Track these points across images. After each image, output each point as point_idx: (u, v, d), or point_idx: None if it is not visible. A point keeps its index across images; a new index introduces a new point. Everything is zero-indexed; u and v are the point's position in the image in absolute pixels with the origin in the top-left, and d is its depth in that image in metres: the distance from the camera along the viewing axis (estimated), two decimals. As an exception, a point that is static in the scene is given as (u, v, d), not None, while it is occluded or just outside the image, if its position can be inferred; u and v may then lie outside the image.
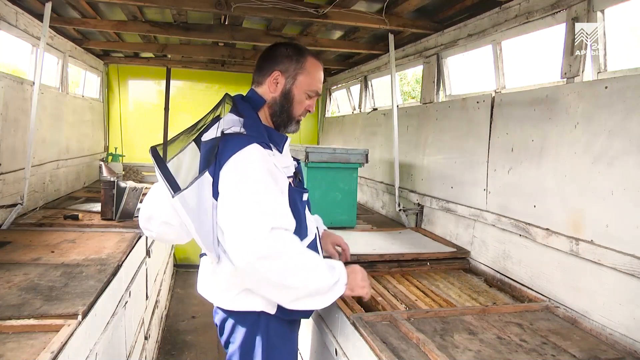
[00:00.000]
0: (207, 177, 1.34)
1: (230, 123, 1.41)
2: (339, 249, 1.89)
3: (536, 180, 1.99)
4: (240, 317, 1.48)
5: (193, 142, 1.43)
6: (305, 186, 1.74)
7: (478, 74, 3.00)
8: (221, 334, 1.56)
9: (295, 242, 1.35)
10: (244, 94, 1.58)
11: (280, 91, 1.52)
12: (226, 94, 1.53)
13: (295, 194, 1.49)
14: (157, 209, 1.45)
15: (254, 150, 1.36)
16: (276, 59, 1.52)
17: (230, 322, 1.50)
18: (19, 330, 1.36)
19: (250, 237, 1.28)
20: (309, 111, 1.58)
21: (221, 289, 1.48)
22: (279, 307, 1.43)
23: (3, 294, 1.58)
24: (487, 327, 1.56)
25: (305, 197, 1.59)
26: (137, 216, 2.75)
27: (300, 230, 1.49)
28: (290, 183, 1.48)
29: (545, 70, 2.23)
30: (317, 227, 1.67)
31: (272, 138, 1.49)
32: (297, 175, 1.59)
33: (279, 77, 1.51)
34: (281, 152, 1.52)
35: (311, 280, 1.35)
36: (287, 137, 1.56)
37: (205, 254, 1.54)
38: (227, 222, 1.32)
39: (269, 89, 1.52)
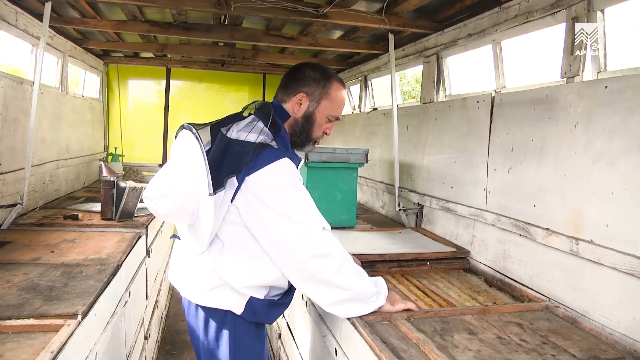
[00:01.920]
0: (234, 180, 1.37)
1: (264, 133, 1.42)
2: None
3: (536, 180, 1.99)
4: (209, 311, 1.51)
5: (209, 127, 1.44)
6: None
7: (478, 74, 3.00)
8: (191, 325, 1.60)
9: (340, 245, 1.44)
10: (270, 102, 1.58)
11: (302, 113, 1.55)
12: (267, 103, 1.54)
13: None
14: (176, 190, 1.37)
15: (288, 162, 1.42)
16: (303, 80, 1.55)
17: (201, 315, 1.53)
18: (18, 330, 1.36)
19: (306, 237, 1.37)
20: (326, 134, 1.62)
21: (195, 282, 1.51)
22: (246, 309, 1.47)
23: (3, 294, 1.58)
24: (487, 327, 1.56)
25: None
26: (137, 216, 2.80)
27: None
28: None
29: (545, 70, 2.22)
30: None
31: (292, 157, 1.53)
32: None
33: (303, 98, 1.54)
34: None
35: (357, 283, 1.45)
36: (301, 159, 1.56)
37: (176, 236, 1.59)
38: (278, 225, 1.38)
39: (292, 108, 1.56)
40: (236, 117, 1.48)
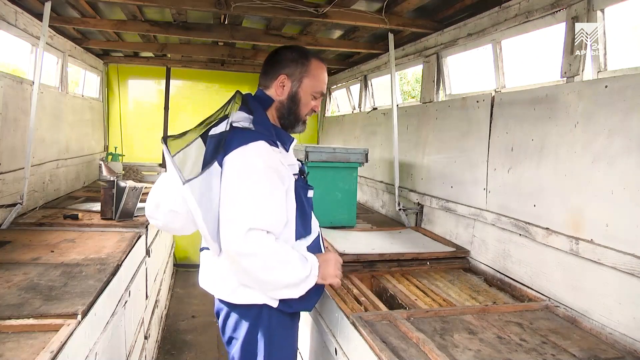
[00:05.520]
0: (216, 167, 1.39)
1: (240, 119, 1.45)
2: None
3: (536, 179, 1.99)
4: (242, 310, 1.51)
5: (200, 138, 1.45)
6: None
7: (478, 74, 3.00)
8: (223, 329, 1.59)
9: (270, 243, 1.39)
10: (253, 94, 1.61)
11: (287, 94, 1.56)
12: (237, 91, 1.55)
13: (300, 189, 1.54)
14: (165, 196, 1.48)
15: (260, 147, 1.41)
16: (281, 63, 1.56)
17: (233, 318, 1.53)
18: (18, 330, 1.36)
19: (230, 235, 1.36)
20: (315, 111, 1.63)
21: (223, 281, 1.51)
22: (281, 301, 1.48)
23: (3, 294, 1.58)
24: (487, 326, 1.56)
25: (310, 193, 1.63)
26: (137, 216, 2.80)
27: (305, 226, 1.55)
28: (295, 179, 1.53)
29: (545, 69, 2.22)
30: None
31: (280, 137, 1.53)
32: (302, 174, 1.62)
33: (285, 80, 1.55)
34: (287, 151, 1.56)
35: (283, 276, 1.43)
36: (293, 138, 1.58)
37: (205, 248, 1.59)
38: (220, 214, 1.40)
39: (276, 92, 1.57)
40: (225, 118, 1.49)
